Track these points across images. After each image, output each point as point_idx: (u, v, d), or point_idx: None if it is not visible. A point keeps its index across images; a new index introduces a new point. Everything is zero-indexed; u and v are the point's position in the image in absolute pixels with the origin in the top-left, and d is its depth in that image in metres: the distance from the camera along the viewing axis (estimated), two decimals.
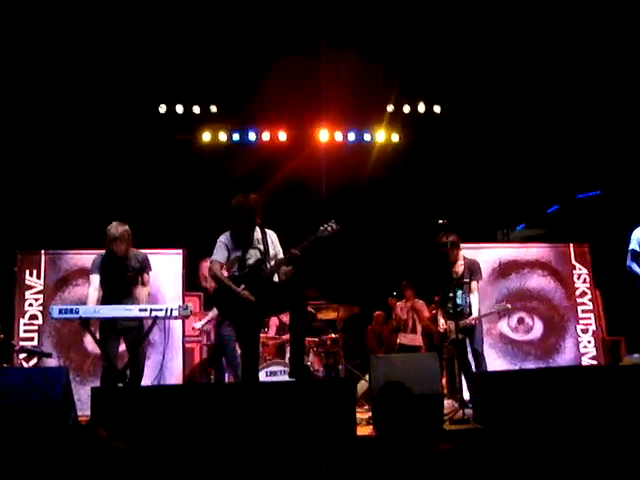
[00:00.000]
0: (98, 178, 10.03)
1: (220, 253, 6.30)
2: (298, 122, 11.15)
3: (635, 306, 7.20)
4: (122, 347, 6.70)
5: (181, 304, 6.26)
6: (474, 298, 7.51)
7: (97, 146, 10.15)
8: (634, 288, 7.19)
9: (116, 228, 6.57)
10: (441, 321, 7.58)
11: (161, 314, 5.98)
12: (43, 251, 8.54)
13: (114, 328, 6.36)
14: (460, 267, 7.61)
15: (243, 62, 9.73)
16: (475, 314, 7.46)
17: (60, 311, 6.00)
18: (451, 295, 7.43)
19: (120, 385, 6.08)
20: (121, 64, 9.44)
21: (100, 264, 6.65)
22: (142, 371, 6.57)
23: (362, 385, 8.18)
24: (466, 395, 6.68)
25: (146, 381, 7.54)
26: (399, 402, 4.35)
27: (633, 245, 7.20)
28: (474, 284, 7.56)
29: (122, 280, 6.62)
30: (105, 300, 6.53)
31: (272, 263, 6.28)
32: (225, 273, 6.36)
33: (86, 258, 7.86)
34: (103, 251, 6.66)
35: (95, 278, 6.60)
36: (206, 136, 10.86)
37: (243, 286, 6.14)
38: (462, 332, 7.15)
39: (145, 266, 6.80)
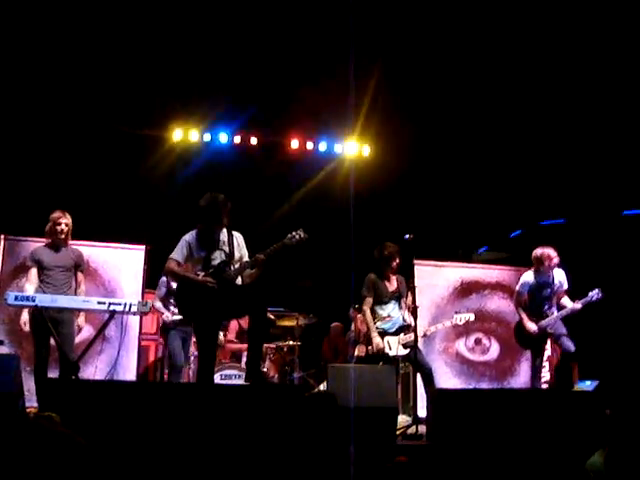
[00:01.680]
0: (64, 168, 9.86)
1: (180, 252, 6.22)
2: (270, 128, 11.10)
3: (588, 334, 7.43)
4: (77, 339, 6.61)
5: (140, 300, 6.18)
6: (407, 314, 7.41)
7: (64, 136, 9.99)
8: (588, 317, 7.73)
9: (62, 213, 6.64)
10: (376, 338, 7.20)
11: (119, 309, 5.90)
12: (3, 236, 8.36)
13: (44, 319, 6.22)
14: (394, 281, 7.52)
15: (218, 61, 9.66)
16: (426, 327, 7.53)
17: (16, 298, 5.89)
18: (383, 307, 7.38)
19: (73, 377, 5.97)
20: (93, 55, 9.30)
21: (38, 256, 6.61)
22: (74, 365, 6.43)
23: None
24: (420, 412, 6.67)
25: (99, 376, 7.44)
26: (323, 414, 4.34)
27: (519, 287, 7.84)
28: (409, 299, 7.51)
29: (59, 274, 6.59)
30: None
31: (236, 266, 6.23)
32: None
33: None
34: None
35: (33, 271, 6.57)
36: (177, 134, 10.74)
37: (203, 273, 6.09)
38: (407, 347, 7.13)
39: (81, 263, 6.82)
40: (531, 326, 7.62)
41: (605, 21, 8.75)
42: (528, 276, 7.78)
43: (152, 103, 10.13)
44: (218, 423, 4.85)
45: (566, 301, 7.72)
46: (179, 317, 7.38)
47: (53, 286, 6.51)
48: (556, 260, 7.59)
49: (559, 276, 7.72)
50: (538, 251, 7.68)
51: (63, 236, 6.66)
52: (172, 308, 7.56)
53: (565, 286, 7.76)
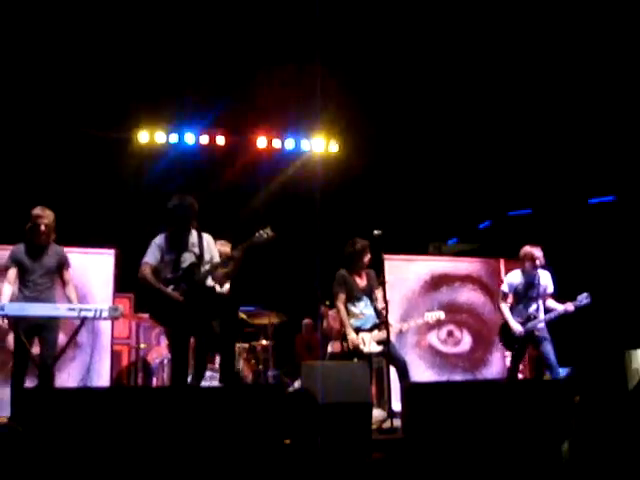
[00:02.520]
0: (29, 172, 9.77)
1: (152, 255, 6.22)
2: (237, 126, 11.09)
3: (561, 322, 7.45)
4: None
5: (111, 305, 6.15)
6: (379, 308, 7.39)
7: (29, 140, 9.90)
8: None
9: (42, 210, 6.38)
10: (351, 335, 7.17)
11: (90, 314, 5.85)
12: None
13: (29, 325, 6.11)
14: (364, 277, 7.49)
15: (181, 61, 9.63)
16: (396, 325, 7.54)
17: None
18: (355, 304, 7.38)
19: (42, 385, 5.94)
20: (57, 58, 9.23)
21: (18, 255, 6.38)
22: (53, 373, 6.38)
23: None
24: (395, 405, 6.72)
25: (72, 383, 7.41)
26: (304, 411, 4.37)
27: (504, 287, 7.79)
28: (379, 294, 7.49)
29: (40, 274, 6.38)
30: (22, 297, 6.28)
31: (206, 267, 6.23)
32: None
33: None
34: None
35: (12, 272, 6.34)
36: (143, 136, 10.69)
37: (172, 286, 6.08)
38: (380, 343, 7.17)
39: (64, 262, 6.57)
40: (517, 328, 7.54)
41: (569, 13, 8.87)
42: (513, 276, 7.75)
43: (117, 105, 10.07)
44: (194, 425, 4.85)
45: (552, 304, 7.63)
46: None
47: (33, 290, 6.30)
48: (539, 261, 7.52)
49: (545, 278, 7.65)
50: (523, 249, 7.65)
51: (44, 236, 6.39)
52: None
53: (550, 289, 7.67)
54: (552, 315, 7.51)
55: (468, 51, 9.67)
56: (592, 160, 10.05)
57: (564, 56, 9.39)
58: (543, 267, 7.59)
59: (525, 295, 7.63)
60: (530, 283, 7.60)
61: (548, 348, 7.42)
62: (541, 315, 7.58)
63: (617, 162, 10.01)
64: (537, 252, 7.55)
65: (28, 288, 6.32)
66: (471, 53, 9.70)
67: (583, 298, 7.43)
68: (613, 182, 10.42)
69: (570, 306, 7.44)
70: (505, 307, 7.70)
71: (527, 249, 7.61)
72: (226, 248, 6.98)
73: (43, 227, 6.36)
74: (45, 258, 6.43)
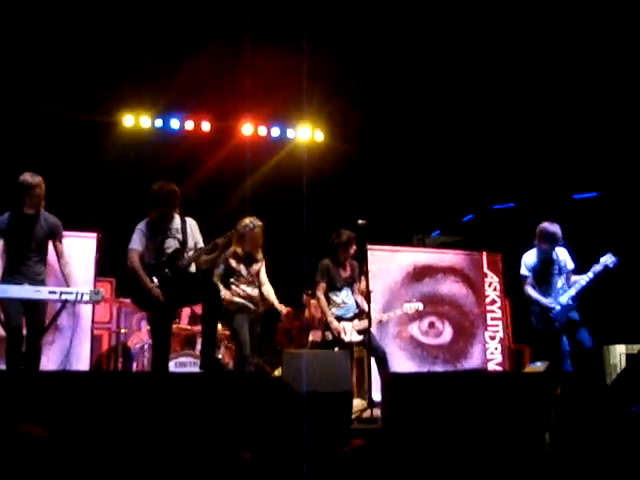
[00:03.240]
0: (11, 156, 9.68)
1: (138, 241, 6.22)
2: (222, 113, 11.04)
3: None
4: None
5: (92, 289, 6.11)
6: (360, 299, 7.47)
7: (12, 122, 9.80)
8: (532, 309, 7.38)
9: (32, 177, 6.05)
10: (334, 323, 7.25)
11: (71, 298, 5.80)
12: None
13: (18, 304, 5.93)
14: (348, 267, 7.52)
15: (167, 44, 9.56)
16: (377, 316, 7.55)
17: None
18: (337, 294, 7.41)
19: (23, 368, 5.90)
20: (40, 39, 9.13)
21: (5, 225, 6.07)
22: (40, 356, 6.32)
23: None
24: (375, 395, 6.73)
25: (52, 366, 7.36)
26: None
27: (522, 271, 7.37)
28: (362, 284, 7.52)
29: (30, 246, 6.11)
30: (9, 270, 6.05)
31: (190, 253, 6.22)
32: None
33: None
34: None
35: None
36: (128, 120, 10.60)
37: (156, 281, 6.07)
38: (361, 333, 7.21)
39: (57, 232, 6.27)
40: (553, 304, 7.10)
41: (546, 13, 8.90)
42: (528, 256, 7.37)
43: (102, 88, 9.99)
44: (173, 411, 4.84)
45: (576, 278, 7.20)
46: (242, 299, 7.10)
47: (20, 263, 6.05)
48: (556, 238, 7.10)
49: (562, 254, 7.28)
50: (539, 226, 7.24)
51: (35, 204, 6.06)
52: (234, 287, 7.10)
53: (570, 265, 7.28)
54: (582, 282, 7.10)
55: (453, 45, 9.67)
56: (576, 156, 10.09)
57: (547, 51, 9.41)
58: (560, 244, 7.22)
59: (546, 273, 7.24)
60: (548, 260, 7.23)
61: (584, 335, 7.04)
62: (571, 290, 7.15)
63: (601, 158, 10.05)
64: (552, 228, 7.14)
65: (15, 262, 6.08)
66: (455, 47, 9.69)
67: (608, 258, 7.02)
68: (597, 178, 10.47)
69: (596, 267, 7.04)
70: (531, 289, 7.26)
71: (542, 226, 7.20)
72: (256, 222, 6.92)
73: (34, 194, 6.04)
74: (36, 229, 6.13)
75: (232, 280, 7.06)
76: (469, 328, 9.52)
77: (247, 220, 6.70)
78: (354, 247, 7.39)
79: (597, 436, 3.13)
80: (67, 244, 8.20)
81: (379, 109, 10.71)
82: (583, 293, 7.13)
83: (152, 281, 6.05)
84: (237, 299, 6.99)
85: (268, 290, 7.25)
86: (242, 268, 7.07)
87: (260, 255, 7.21)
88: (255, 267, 7.14)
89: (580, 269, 7.30)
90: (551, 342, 7.17)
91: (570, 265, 7.29)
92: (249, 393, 5.14)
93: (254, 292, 7.10)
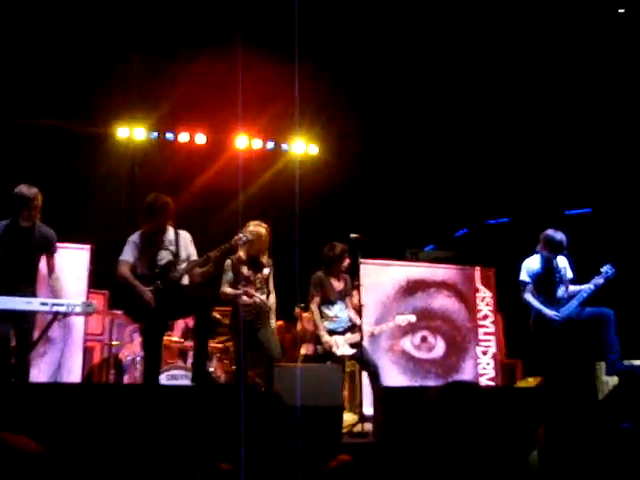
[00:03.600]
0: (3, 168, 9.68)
1: (129, 252, 6.22)
2: (217, 126, 11.06)
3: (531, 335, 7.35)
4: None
5: (85, 300, 6.10)
6: (353, 313, 7.46)
7: (7, 136, 9.81)
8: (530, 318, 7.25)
9: (28, 189, 6.01)
10: (325, 337, 7.25)
11: (63, 310, 5.80)
12: None
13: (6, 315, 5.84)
14: (341, 281, 7.52)
15: (162, 56, 9.60)
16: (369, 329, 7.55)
17: None
18: (330, 307, 7.40)
19: (12, 380, 5.88)
20: (34, 48, 9.14)
21: (0, 236, 6.01)
22: (29, 367, 6.28)
23: None
24: (366, 409, 6.72)
25: (43, 378, 7.33)
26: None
27: (523, 276, 7.24)
28: (355, 298, 7.52)
29: (23, 258, 6.07)
30: (1, 281, 5.97)
31: (183, 265, 6.23)
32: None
33: None
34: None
35: None
36: (123, 132, 10.60)
37: (150, 288, 6.07)
38: (353, 346, 7.21)
39: (50, 245, 6.22)
40: (554, 314, 6.96)
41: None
42: (531, 262, 7.24)
43: (97, 100, 10.01)
44: (164, 424, 4.83)
45: (575, 288, 7.10)
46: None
47: (11, 275, 5.99)
48: (561, 245, 6.97)
49: (562, 263, 7.18)
50: (544, 232, 7.10)
51: (31, 216, 6.06)
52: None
53: (570, 274, 7.20)
54: (583, 294, 6.98)
55: (447, 59, 9.73)
56: (570, 171, 10.13)
57: (539, 67, 9.48)
58: (563, 254, 7.12)
59: (548, 281, 7.12)
60: (550, 268, 7.12)
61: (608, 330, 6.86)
62: (573, 301, 7.01)
63: (594, 174, 10.09)
64: (558, 236, 6.99)
65: (7, 274, 6.02)
66: (450, 61, 9.75)
67: (608, 269, 6.99)
68: (590, 194, 10.50)
69: (598, 279, 6.97)
70: (530, 297, 7.11)
71: (548, 233, 7.05)
72: (259, 229, 6.99)
73: (31, 206, 6.02)
74: (30, 241, 6.10)
75: (240, 286, 6.99)
76: (461, 343, 9.51)
77: (250, 226, 6.75)
78: (347, 260, 7.39)
79: (587, 452, 3.13)
80: (60, 256, 8.23)
81: (373, 123, 10.75)
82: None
83: None
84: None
85: (272, 302, 7.20)
86: (250, 274, 7.02)
87: (266, 259, 7.17)
88: (265, 272, 7.07)
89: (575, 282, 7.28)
90: (547, 354, 7.10)
91: (570, 274, 7.22)
92: (239, 406, 5.13)
93: (264, 298, 7.03)
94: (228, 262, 6.90)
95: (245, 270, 6.99)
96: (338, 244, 7.41)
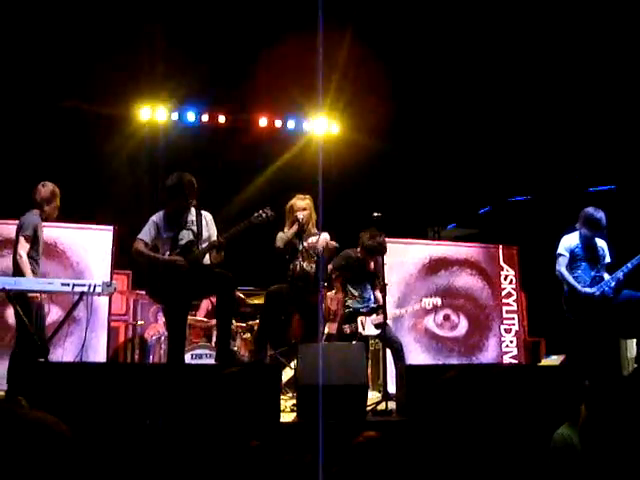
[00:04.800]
0: (30, 149, 9.71)
1: (147, 232, 6.22)
2: (238, 106, 11.03)
3: (558, 309, 7.28)
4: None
5: (105, 281, 6.11)
6: (379, 293, 7.42)
7: (28, 116, 9.83)
8: (560, 291, 7.16)
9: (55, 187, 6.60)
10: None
11: (84, 290, 5.82)
12: None
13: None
14: (372, 260, 7.48)
15: (184, 37, 9.55)
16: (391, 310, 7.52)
17: None
18: (355, 287, 7.41)
19: (41, 360, 5.91)
20: (56, 33, 9.13)
21: (37, 228, 6.50)
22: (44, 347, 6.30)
23: (287, 372, 8.14)
24: (390, 388, 6.70)
25: (68, 358, 7.38)
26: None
27: (560, 250, 7.15)
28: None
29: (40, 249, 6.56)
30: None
31: (204, 245, 6.22)
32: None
33: (12, 228, 7.49)
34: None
35: (27, 243, 6.40)
36: (145, 113, 10.60)
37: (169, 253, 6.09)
38: (378, 327, 7.20)
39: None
40: (587, 290, 6.88)
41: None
42: (570, 238, 7.12)
43: (119, 82, 10.00)
44: (190, 403, 4.85)
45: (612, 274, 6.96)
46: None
47: (38, 263, 6.48)
48: (600, 224, 6.88)
49: (601, 244, 7.10)
50: (583, 211, 7.00)
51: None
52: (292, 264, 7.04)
53: (607, 258, 7.12)
54: (620, 273, 6.87)
55: (470, 38, 9.61)
56: (592, 149, 10.00)
57: (564, 45, 9.34)
58: (602, 235, 7.05)
59: (585, 258, 7.03)
60: (589, 247, 7.03)
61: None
62: (606, 276, 6.98)
63: (618, 152, 9.96)
64: (598, 215, 6.90)
65: (35, 261, 6.44)
66: (473, 40, 9.64)
67: None
68: (614, 172, 10.38)
69: (635, 260, 6.77)
70: (565, 271, 7.00)
71: (587, 211, 6.96)
72: (301, 202, 7.04)
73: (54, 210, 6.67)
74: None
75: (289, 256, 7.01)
76: (484, 321, 9.45)
77: (294, 199, 7.01)
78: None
79: (627, 429, 3.10)
80: (85, 236, 8.29)
81: (395, 101, 10.65)
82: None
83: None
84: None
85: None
86: (297, 242, 6.99)
87: (315, 230, 7.11)
88: (312, 240, 6.97)
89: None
90: (575, 330, 7.00)
91: (608, 259, 7.13)
92: (265, 385, 5.13)
93: (309, 267, 6.96)
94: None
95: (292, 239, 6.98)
96: (379, 235, 7.34)
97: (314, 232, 7.07)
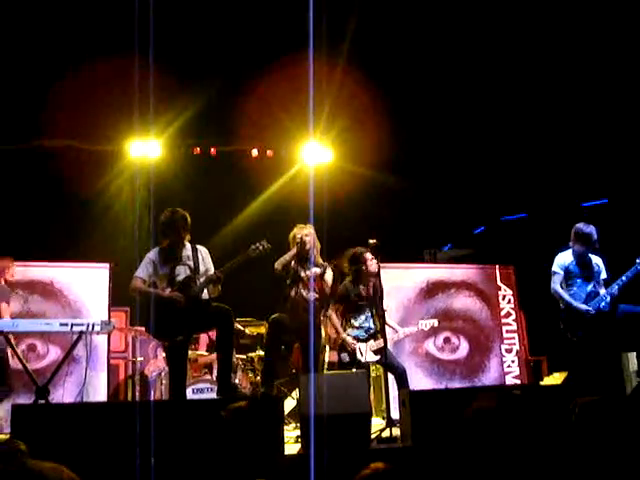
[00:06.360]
0: (22, 188, 9.73)
1: (144, 269, 6.24)
2: (228, 137, 11.07)
3: (558, 327, 7.27)
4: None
5: (104, 319, 6.13)
6: (377, 319, 7.38)
7: (21, 155, 9.84)
8: (558, 309, 7.18)
9: None
10: (348, 339, 7.26)
11: (82, 329, 5.84)
12: None
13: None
14: (370, 287, 7.44)
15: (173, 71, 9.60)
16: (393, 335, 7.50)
17: None
18: (356, 317, 7.38)
19: (42, 402, 5.90)
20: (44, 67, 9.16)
21: None
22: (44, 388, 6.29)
23: (289, 403, 8.13)
24: (394, 414, 6.68)
25: (68, 398, 7.36)
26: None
27: (555, 268, 7.18)
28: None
29: None
30: None
31: (202, 280, 6.23)
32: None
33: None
34: None
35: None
36: (135, 148, 10.60)
37: (169, 289, 6.09)
38: (377, 353, 7.19)
39: None
40: (584, 306, 6.87)
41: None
42: (564, 255, 7.14)
43: (108, 117, 10.03)
44: (193, 439, 4.83)
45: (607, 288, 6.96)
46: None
47: None
48: (591, 240, 6.91)
49: (597, 261, 7.11)
50: (574, 227, 7.03)
51: None
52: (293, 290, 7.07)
53: (604, 274, 7.11)
54: (615, 286, 6.87)
55: (462, 57, 9.67)
56: (585, 163, 10.05)
57: (555, 63, 9.41)
58: (594, 251, 7.07)
59: (580, 275, 7.03)
60: (583, 263, 7.04)
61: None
62: (601, 291, 6.96)
63: (609, 165, 10.01)
64: (587, 229, 6.95)
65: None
66: (464, 61, 9.70)
67: None
68: (605, 185, 10.43)
69: (630, 272, 6.81)
70: (560, 288, 7.03)
71: (577, 226, 7.01)
72: (304, 230, 7.07)
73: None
74: None
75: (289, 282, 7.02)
76: (485, 342, 9.46)
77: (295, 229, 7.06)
78: (372, 261, 7.30)
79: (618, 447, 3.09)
80: (81, 275, 8.29)
81: (385, 128, 10.70)
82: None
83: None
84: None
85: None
86: (299, 269, 7.01)
87: (320, 261, 7.15)
88: (316, 270, 7.01)
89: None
90: (575, 347, 7.01)
91: (604, 275, 7.14)
92: (268, 417, 5.11)
93: (310, 295, 6.96)
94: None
95: (294, 265, 7.02)
96: (355, 249, 7.40)
97: (321, 263, 7.10)
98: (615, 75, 9.37)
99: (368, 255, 7.33)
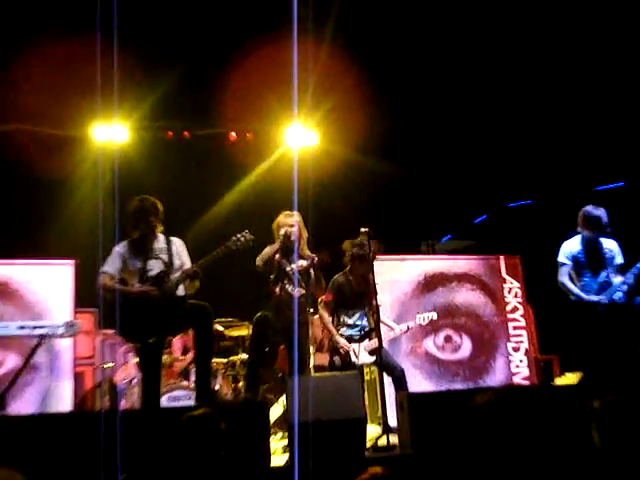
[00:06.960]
0: None
1: (111, 263, 6.14)
2: (208, 119, 10.99)
3: (568, 322, 7.21)
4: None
5: (68, 320, 6.03)
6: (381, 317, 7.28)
7: None
8: (567, 303, 7.12)
9: None
10: (341, 341, 7.19)
11: (44, 332, 5.73)
12: None
13: None
14: (363, 282, 7.36)
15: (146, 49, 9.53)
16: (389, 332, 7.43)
17: None
18: (349, 314, 7.33)
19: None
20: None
21: None
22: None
23: (275, 410, 8.05)
24: (391, 420, 6.62)
25: (29, 409, 7.26)
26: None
27: (561, 258, 7.13)
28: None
29: None
30: None
31: (177, 275, 6.14)
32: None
33: None
34: None
35: None
36: (100, 133, 10.48)
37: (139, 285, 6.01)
38: (373, 353, 7.11)
39: None
40: (594, 297, 6.84)
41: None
42: (571, 243, 7.09)
43: (70, 99, 9.92)
44: (168, 450, 4.75)
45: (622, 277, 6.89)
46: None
47: None
48: (601, 224, 6.84)
49: (610, 245, 7.03)
50: (581, 210, 6.97)
51: None
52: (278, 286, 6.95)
53: (619, 259, 7.03)
54: (630, 276, 6.81)
55: (462, 39, 9.65)
56: (596, 146, 10.04)
57: (561, 45, 9.41)
58: (606, 235, 6.98)
59: (590, 263, 6.98)
60: (593, 249, 6.99)
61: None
62: (616, 281, 6.89)
63: (625, 146, 10.00)
64: (596, 212, 6.87)
65: None
66: (465, 41, 9.67)
67: None
68: (619, 168, 10.41)
69: None
70: (567, 280, 7.00)
71: (585, 209, 6.94)
72: (289, 219, 6.98)
73: None
74: None
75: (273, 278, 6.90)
76: (490, 340, 9.39)
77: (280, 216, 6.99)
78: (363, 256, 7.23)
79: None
80: (41, 273, 8.18)
81: (378, 108, 10.65)
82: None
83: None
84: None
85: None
86: (284, 262, 6.90)
87: (307, 252, 7.08)
88: (302, 263, 6.95)
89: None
90: (587, 343, 6.90)
91: (619, 260, 7.06)
92: (252, 426, 5.05)
93: (295, 292, 6.87)
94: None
95: (278, 257, 6.90)
96: (346, 243, 7.34)
97: (307, 254, 7.02)
98: (627, 53, 9.36)
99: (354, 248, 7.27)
